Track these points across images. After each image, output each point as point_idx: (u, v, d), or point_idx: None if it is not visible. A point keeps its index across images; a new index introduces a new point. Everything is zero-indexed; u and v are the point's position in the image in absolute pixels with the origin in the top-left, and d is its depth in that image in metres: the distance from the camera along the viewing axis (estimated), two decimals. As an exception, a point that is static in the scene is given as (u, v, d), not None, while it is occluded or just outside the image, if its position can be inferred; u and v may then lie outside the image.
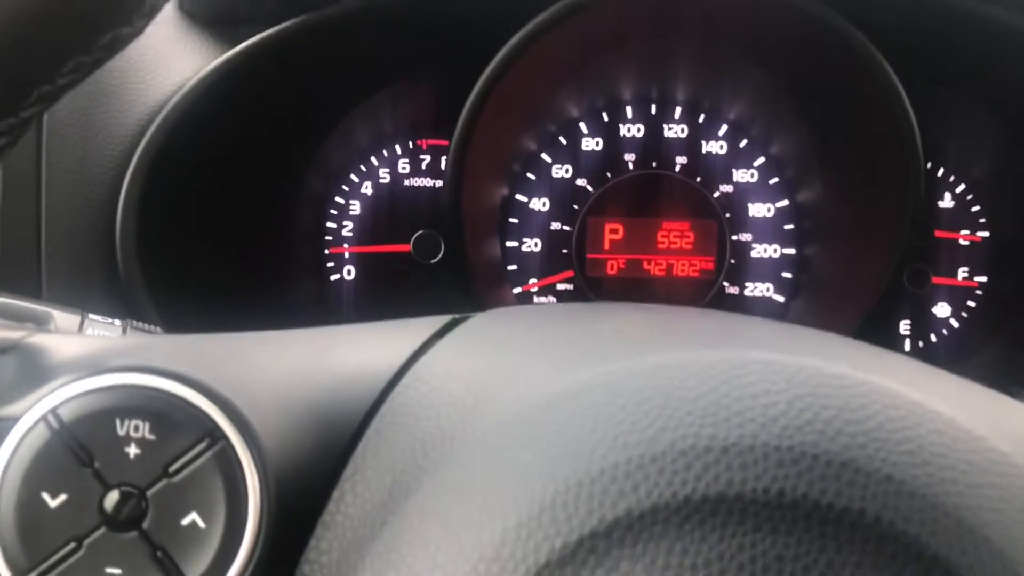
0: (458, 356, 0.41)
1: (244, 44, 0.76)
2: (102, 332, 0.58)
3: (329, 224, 1.06)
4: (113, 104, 0.74)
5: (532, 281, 1.05)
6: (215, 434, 0.37)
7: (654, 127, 1.04)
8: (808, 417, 0.33)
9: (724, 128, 1.03)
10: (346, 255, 1.07)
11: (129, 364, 0.37)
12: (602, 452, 0.33)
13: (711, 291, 1.03)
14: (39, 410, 0.36)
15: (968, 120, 0.98)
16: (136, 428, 0.36)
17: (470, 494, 0.34)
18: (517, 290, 1.05)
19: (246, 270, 0.94)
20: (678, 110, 1.04)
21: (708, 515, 0.32)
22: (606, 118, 1.04)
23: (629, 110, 1.04)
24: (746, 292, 1.03)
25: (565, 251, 1.05)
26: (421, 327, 0.44)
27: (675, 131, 1.04)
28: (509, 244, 1.05)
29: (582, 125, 1.04)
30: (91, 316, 0.59)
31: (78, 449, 0.36)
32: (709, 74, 1.00)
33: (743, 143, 1.03)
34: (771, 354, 0.36)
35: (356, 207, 1.06)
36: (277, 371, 0.40)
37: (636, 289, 1.03)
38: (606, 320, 0.44)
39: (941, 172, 1.02)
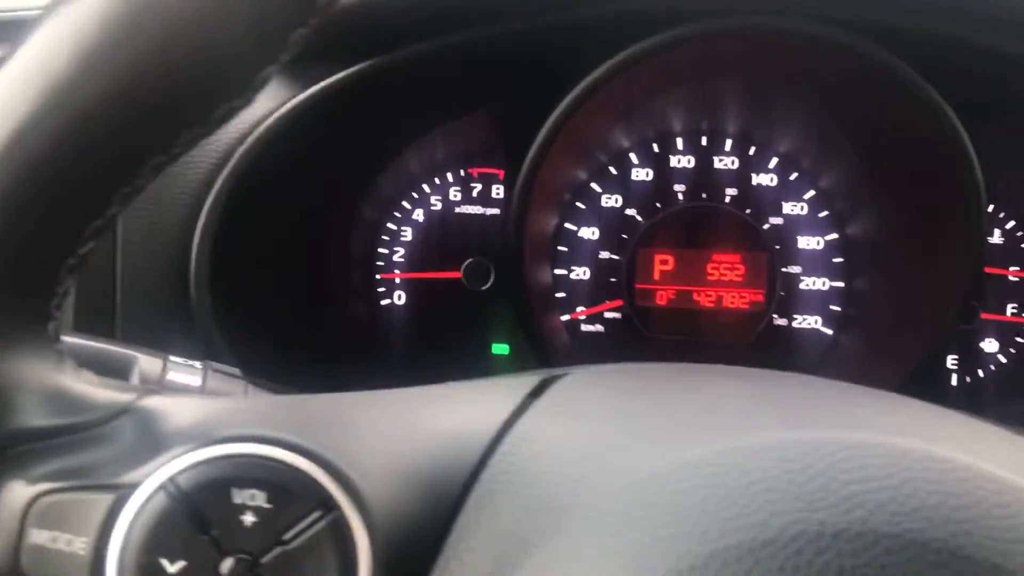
0: (556, 421, 0.42)
1: (315, 88, 0.77)
2: (184, 375, 0.60)
3: (381, 250, 1.07)
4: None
5: (580, 309, 1.06)
6: (328, 504, 0.38)
7: (704, 159, 1.05)
8: (915, 504, 0.34)
9: (774, 161, 1.04)
10: (396, 280, 1.08)
11: (245, 434, 0.38)
12: (713, 535, 0.34)
13: (761, 323, 1.03)
14: (158, 478, 0.37)
15: (1018, 156, 0.99)
16: (252, 497, 0.37)
17: (579, 571, 0.35)
18: (565, 317, 1.06)
19: (302, 296, 0.95)
20: (728, 142, 1.04)
21: (819, 601, 0.32)
22: (656, 149, 1.05)
23: (680, 141, 1.05)
24: (794, 324, 1.04)
25: (614, 280, 1.06)
26: (514, 387, 0.45)
27: (725, 163, 1.04)
28: (558, 272, 1.06)
29: (632, 156, 1.05)
30: (172, 359, 0.60)
31: (196, 517, 0.37)
32: (760, 108, 1.01)
33: (793, 176, 1.04)
34: (877, 436, 0.36)
35: (408, 233, 1.07)
36: (380, 437, 0.41)
37: (685, 320, 1.04)
38: (706, 388, 0.44)
39: (991, 208, 1.02)
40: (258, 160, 0.75)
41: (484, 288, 1.06)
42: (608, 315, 1.06)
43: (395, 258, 1.08)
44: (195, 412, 0.41)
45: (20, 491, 0.38)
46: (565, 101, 0.84)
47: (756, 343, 1.03)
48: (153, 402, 0.41)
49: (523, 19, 0.79)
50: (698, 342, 1.04)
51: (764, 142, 1.04)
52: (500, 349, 1.07)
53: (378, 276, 1.08)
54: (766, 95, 0.98)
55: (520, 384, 0.45)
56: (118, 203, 0.40)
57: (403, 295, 1.08)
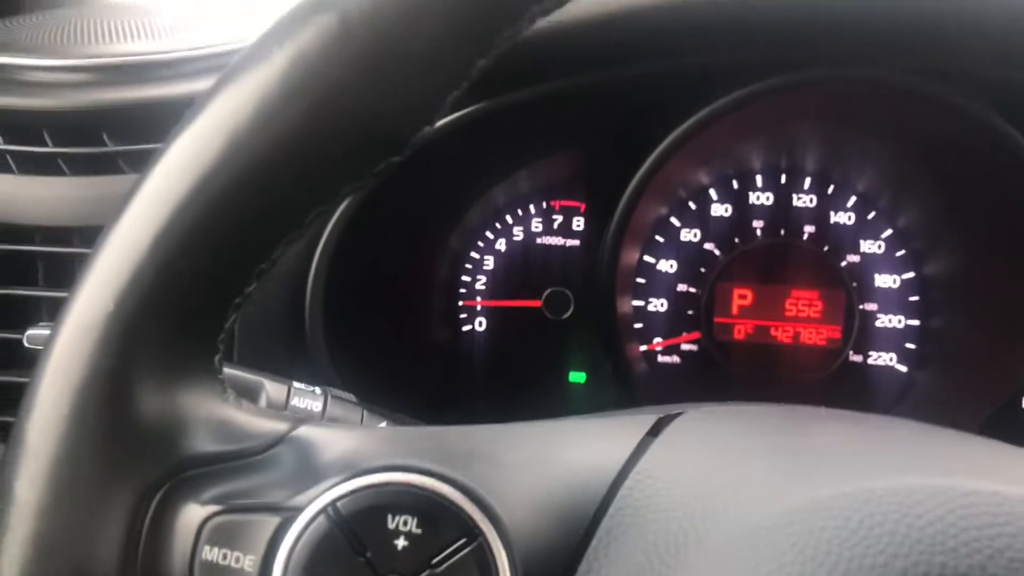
0: (677, 459, 0.45)
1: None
2: (307, 400, 0.63)
3: (464, 277, 1.11)
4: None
5: (658, 340, 1.09)
6: (474, 532, 0.41)
7: (783, 196, 1.07)
8: (1032, 551, 0.36)
9: (853, 199, 1.06)
10: (478, 308, 1.11)
11: (399, 464, 0.42)
12: (839, 574, 0.36)
13: (837, 359, 1.05)
14: (320, 503, 0.41)
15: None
16: (405, 523, 0.41)
17: (711, 603, 0.38)
18: (643, 348, 1.09)
19: (402, 325, 1.00)
20: (807, 180, 1.07)
21: (941, 641, 0.35)
22: (736, 186, 1.07)
23: (759, 179, 1.07)
24: (870, 361, 1.05)
25: (691, 313, 1.08)
26: (632, 425, 0.48)
27: (804, 201, 1.06)
28: (636, 303, 1.09)
29: (712, 192, 1.07)
30: (295, 385, 0.64)
31: (354, 540, 0.41)
32: (839, 151, 1.03)
33: (871, 215, 1.06)
34: (992, 485, 0.38)
35: (490, 262, 1.11)
36: (516, 468, 0.44)
37: (762, 354, 1.06)
38: (822, 431, 0.47)
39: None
40: (369, 198, 0.80)
41: (564, 317, 1.09)
42: (685, 347, 1.09)
43: (477, 285, 1.11)
44: (347, 442, 0.44)
45: (194, 511, 0.42)
46: (658, 149, 0.87)
47: (832, 379, 1.05)
48: (307, 432, 0.45)
49: (623, 66, 0.82)
50: (774, 377, 1.06)
51: (842, 181, 1.06)
52: (577, 377, 1.10)
53: (460, 303, 1.11)
54: (845, 139, 1.00)
55: (639, 422, 0.48)
56: (283, 247, 0.44)
57: (484, 321, 1.11)
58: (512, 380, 1.10)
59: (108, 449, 0.41)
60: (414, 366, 1.04)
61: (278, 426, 0.45)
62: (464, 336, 1.12)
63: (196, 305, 0.43)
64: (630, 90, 0.86)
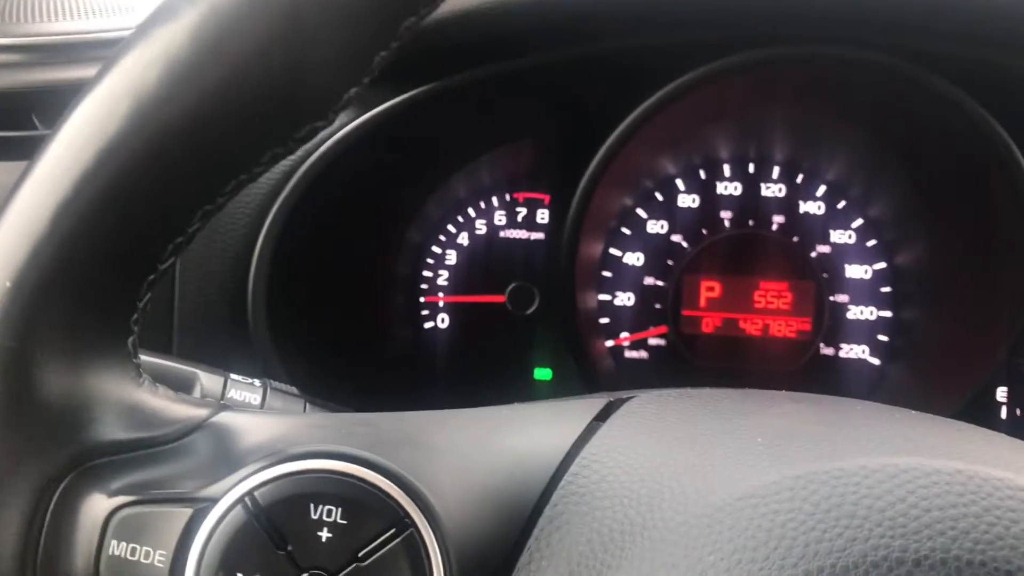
0: (625, 445, 0.42)
1: (371, 113, 0.78)
2: (244, 393, 0.60)
3: (425, 273, 1.08)
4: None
5: (624, 335, 1.06)
6: (403, 522, 0.38)
7: (751, 186, 1.05)
8: (998, 531, 0.34)
9: (822, 189, 1.04)
10: (440, 304, 1.08)
11: (322, 450, 0.39)
12: (793, 560, 0.34)
13: (808, 352, 1.03)
14: (237, 493, 0.38)
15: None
16: (328, 513, 0.38)
17: (658, 594, 0.35)
18: (610, 343, 1.06)
19: (353, 318, 0.96)
20: (776, 169, 1.04)
21: (903, 628, 0.32)
22: (703, 176, 1.05)
23: (726, 168, 1.05)
24: (841, 353, 1.03)
25: (659, 306, 1.05)
26: (579, 410, 0.45)
27: (772, 190, 1.04)
28: (602, 297, 1.06)
29: (679, 182, 1.05)
30: (233, 376, 0.61)
31: (273, 533, 0.37)
32: (808, 136, 1.01)
33: (841, 204, 1.03)
34: (956, 463, 0.36)
35: (452, 257, 1.08)
36: (452, 455, 0.41)
37: (731, 348, 1.03)
38: (775, 413, 0.44)
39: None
40: (315, 184, 0.77)
41: (528, 312, 1.06)
42: (652, 342, 1.06)
43: (439, 281, 1.08)
44: (270, 428, 0.41)
45: (100, 503, 0.38)
46: (616, 132, 0.85)
47: (802, 372, 1.03)
48: (228, 418, 0.42)
49: (581, 45, 0.79)
50: (743, 370, 1.03)
51: (812, 170, 1.03)
52: (543, 374, 1.07)
53: (422, 299, 1.08)
54: (815, 123, 0.98)
55: (586, 406, 0.45)
56: (200, 220, 0.41)
57: (446, 318, 1.08)
58: (476, 378, 1.07)
59: (6, 436, 0.38)
60: (371, 364, 1.01)
61: (196, 412, 0.42)
62: (426, 333, 1.08)
63: (103, 282, 0.39)
64: (589, 72, 0.83)
